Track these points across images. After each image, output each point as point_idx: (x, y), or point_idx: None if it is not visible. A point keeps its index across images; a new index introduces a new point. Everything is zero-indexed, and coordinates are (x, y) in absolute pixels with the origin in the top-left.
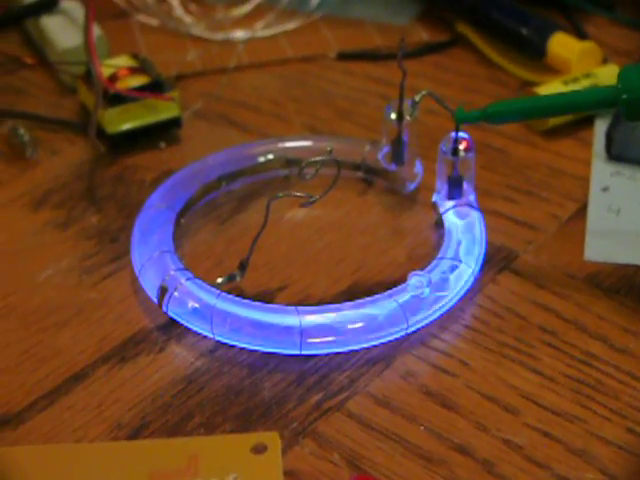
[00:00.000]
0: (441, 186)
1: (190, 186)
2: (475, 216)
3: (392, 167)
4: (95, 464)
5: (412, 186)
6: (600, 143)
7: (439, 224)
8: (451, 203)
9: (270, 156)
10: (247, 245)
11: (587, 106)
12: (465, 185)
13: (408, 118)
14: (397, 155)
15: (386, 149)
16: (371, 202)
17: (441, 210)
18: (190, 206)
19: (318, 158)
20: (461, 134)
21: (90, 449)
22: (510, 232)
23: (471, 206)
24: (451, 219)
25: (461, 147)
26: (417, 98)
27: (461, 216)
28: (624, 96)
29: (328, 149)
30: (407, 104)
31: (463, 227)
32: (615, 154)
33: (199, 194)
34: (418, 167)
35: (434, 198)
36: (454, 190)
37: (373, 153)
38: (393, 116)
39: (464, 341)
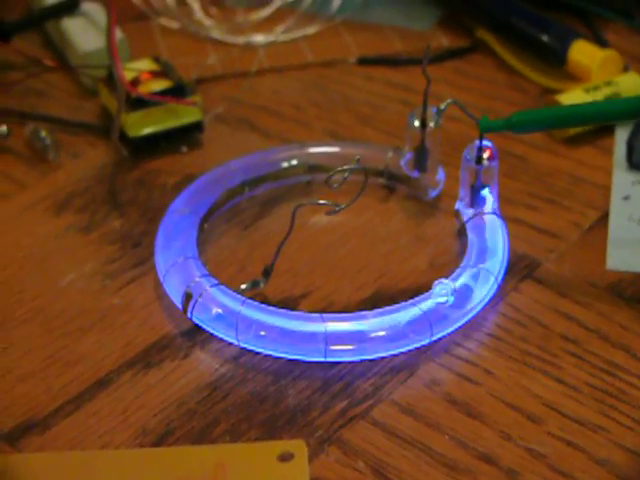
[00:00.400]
0: (464, 194)
1: (214, 191)
2: (498, 224)
3: (415, 174)
4: (122, 471)
5: (434, 193)
6: (621, 152)
7: (462, 232)
8: (474, 211)
9: (294, 162)
10: (270, 251)
11: (613, 117)
12: (488, 193)
13: (432, 125)
14: (420, 162)
15: (409, 156)
16: (393, 209)
17: (464, 218)
18: (213, 211)
19: (346, 167)
20: (485, 142)
21: (117, 456)
22: (532, 240)
23: (494, 214)
24: (474, 227)
25: (485, 155)
26: (442, 106)
27: (484, 224)
28: None
29: (356, 158)
30: (431, 111)
31: (486, 235)
32: (636, 163)
33: (222, 199)
34: (440, 174)
35: (457, 206)
36: (477, 198)
37: (395, 159)
38: (417, 123)
39: (488, 350)
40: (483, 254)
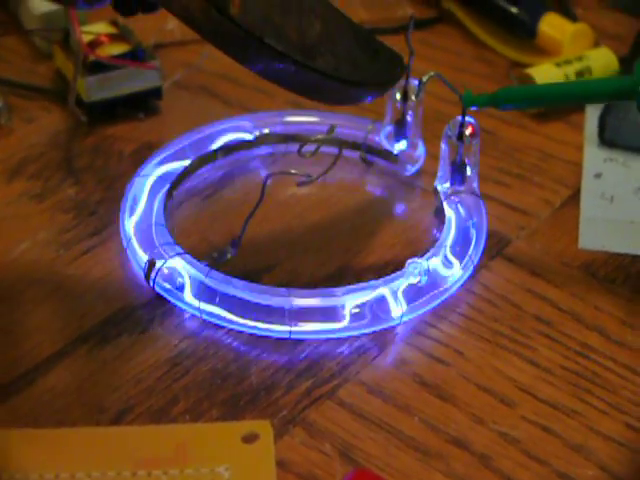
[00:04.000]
0: (444, 171)
1: (185, 156)
2: (477, 204)
3: (394, 148)
4: (78, 450)
5: (413, 169)
6: (592, 128)
7: (439, 210)
8: (453, 189)
9: (267, 130)
10: (234, 220)
11: (601, 97)
12: (469, 171)
13: (413, 98)
14: (400, 136)
15: (389, 129)
16: (370, 183)
17: (442, 196)
18: (184, 177)
19: (320, 136)
20: (467, 118)
21: (72, 434)
22: (502, 217)
23: (474, 193)
24: (452, 206)
25: (467, 132)
26: (424, 79)
27: (463, 203)
28: None
29: (331, 127)
30: (411, 84)
31: (464, 215)
32: (608, 140)
33: (194, 166)
34: (421, 150)
35: (436, 183)
36: (457, 176)
37: (374, 133)
38: (398, 96)
39: (458, 330)
40: (460, 234)
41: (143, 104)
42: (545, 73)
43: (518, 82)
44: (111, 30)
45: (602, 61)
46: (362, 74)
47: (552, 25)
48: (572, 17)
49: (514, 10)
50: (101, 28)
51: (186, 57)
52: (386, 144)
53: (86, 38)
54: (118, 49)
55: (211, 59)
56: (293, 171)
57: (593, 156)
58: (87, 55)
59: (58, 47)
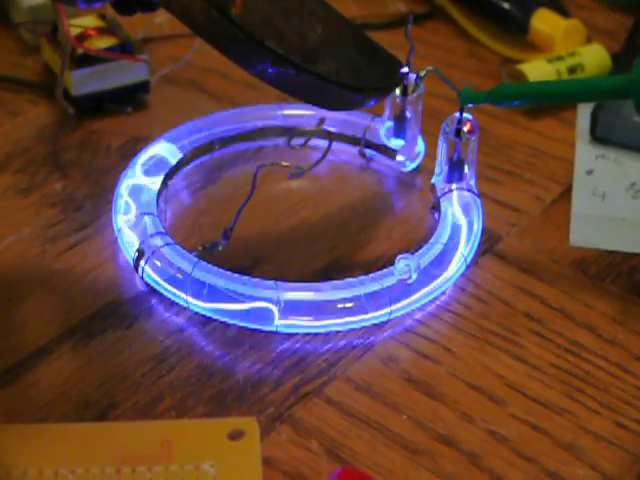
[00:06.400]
0: (441, 168)
1: (179, 148)
2: (474, 201)
3: (393, 144)
4: (62, 446)
5: (412, 165)
6: (584, 124)
7: (436, 207)
8: (450, 186)
9: (268, 123)
10: (226, 212)
11: (598, 95)
12: (466, 168)
13: (412, 94)
14: (399, 132)
15: (389, 125)
16: (366, 178)
17: (439, 193)
18: (180, 167)
19: (308, 128)
20: (465, 115)
21: (57, 430)
22: (493, 213)
23: (471, 191)
24: (449, 203)
25: (465, 128)
26: (422, 74)
27: (459, 200)
28: (638, 88)
29: (319, 120)
30: (411, 79)
31: (460, 212)
32: (600, 136)
33: (188, 157)
34: (420, 146)
35: (433, 180)
36: (454, 173)
37: (374, 128)
38: (397, 91)
39: (448, 327)
40: (454, 231)
41: (131, 98)
42: (537, 69)
43: (509, 78)
44: (99, 23)
45: (594, 57)
46: (362, 79)
47: (544, 21)
48: (564, 13)
49: (506, 5)
50: (89, 21)
51: (174, 51)
52: (385, 139)
53: (74, 31)
54: (106, 42)
55: (200, 53)
56: (284, 163)
57: (585, 153)
58: (75, 48)
59: (46, 40)
